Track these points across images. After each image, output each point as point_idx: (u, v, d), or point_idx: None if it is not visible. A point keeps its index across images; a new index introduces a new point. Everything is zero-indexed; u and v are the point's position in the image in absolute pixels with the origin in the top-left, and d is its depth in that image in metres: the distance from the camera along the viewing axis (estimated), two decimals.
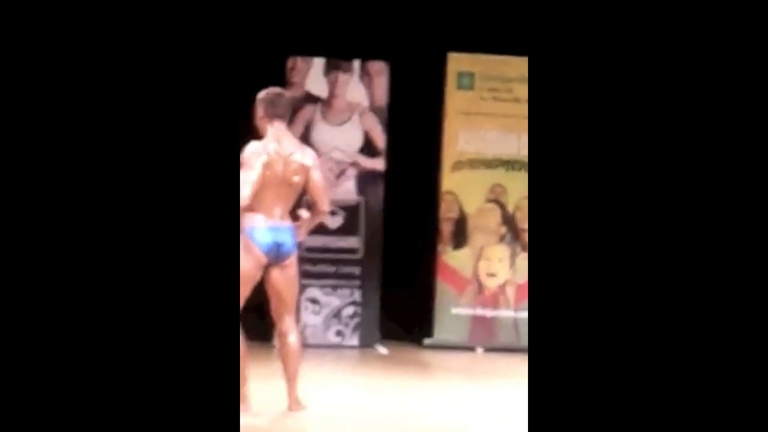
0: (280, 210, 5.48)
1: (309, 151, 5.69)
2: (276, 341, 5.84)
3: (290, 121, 5.83)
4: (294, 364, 5.55)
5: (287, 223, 5.51)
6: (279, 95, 5.67)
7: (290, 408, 5.56)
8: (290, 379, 5.57)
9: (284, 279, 5.54)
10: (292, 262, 5.55)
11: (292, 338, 5.57)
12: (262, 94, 5.63)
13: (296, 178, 5.50)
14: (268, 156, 5.42)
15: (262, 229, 5.41)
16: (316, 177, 5.60)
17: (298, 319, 5.77)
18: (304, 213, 5.61)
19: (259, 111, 5.60)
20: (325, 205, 5.68)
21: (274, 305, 5.59)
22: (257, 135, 5.58)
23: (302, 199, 5.77)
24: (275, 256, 5.46)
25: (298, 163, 5.51)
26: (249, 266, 5.38)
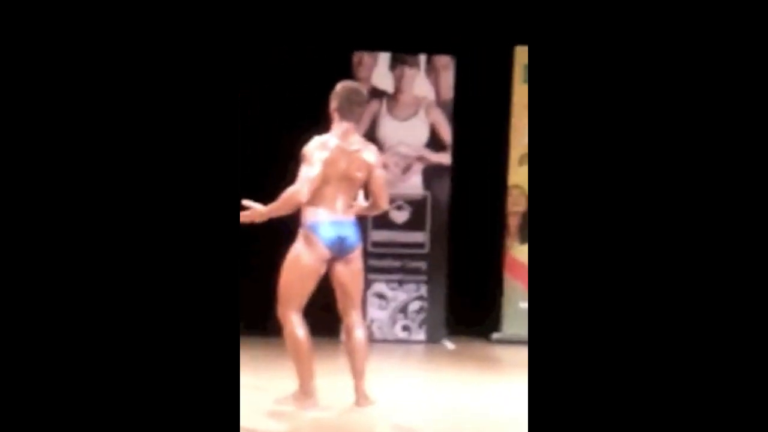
0: (342, 204, 5.45)
1: (373, 148, 5.64)
2: (343, 336, 5.83)
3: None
4: (361, 359, 5.53)
5: (350, 217, 5.50)
6: (356, 92, 5.57)
7: (358, 403, 5.55)
8: (357, 374, 5.55)
9: (349, 273, 5.52)
10: (356, 256, 5.53)
11: (359, 333, 5.55)
12: (339, 87, 5.54)
13: (359, 174, 5.48)
14: (330, 152, 5.38)
15: (325, 224, 5.40)
16: (379, 174, 5.57)
17: (364, 314, 5.75)
18: (362, 201, 5.59)
19: (333, 103, 5.52)
20: (384, 204, 5.66)
21: (339, 300, 5.58)
22: (329, 126, 5.54)
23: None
24: (338, 250, 5.44)
25: (361, 160, 5.48)
26: (312, 260, 5.39)
